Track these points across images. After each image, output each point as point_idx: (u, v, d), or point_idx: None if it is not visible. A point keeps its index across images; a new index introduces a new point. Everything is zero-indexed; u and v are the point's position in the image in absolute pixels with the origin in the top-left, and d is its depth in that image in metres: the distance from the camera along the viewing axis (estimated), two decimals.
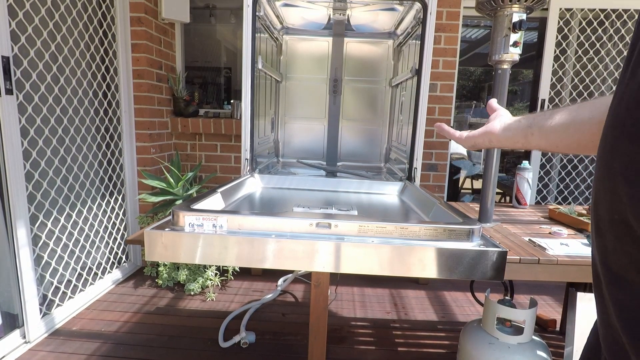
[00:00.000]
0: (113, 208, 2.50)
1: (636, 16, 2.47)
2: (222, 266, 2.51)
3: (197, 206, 0.97)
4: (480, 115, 5.50)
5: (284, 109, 2.26)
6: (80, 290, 2.21)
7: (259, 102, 1.80)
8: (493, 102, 0.80)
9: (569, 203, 2.75)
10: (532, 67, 3.44)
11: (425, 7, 1.54)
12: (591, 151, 0.57)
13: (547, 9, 2.71)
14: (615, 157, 0.33)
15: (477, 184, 4.30)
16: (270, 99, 2.12)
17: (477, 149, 0.87)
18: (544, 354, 1.30)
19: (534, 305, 1.35)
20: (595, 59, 2.84)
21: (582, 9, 2.75)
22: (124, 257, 2.65)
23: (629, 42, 0.42)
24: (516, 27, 1.25)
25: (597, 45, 2.82)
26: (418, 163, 1.64)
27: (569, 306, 2.01)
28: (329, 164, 2.26)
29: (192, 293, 2.38)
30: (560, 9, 2.72)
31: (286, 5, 1.87)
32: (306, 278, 2.62)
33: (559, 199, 3.03)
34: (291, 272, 2.65)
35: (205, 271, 2.41)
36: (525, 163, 1.81)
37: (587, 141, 0.57)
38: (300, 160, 2.24)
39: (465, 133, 0.79)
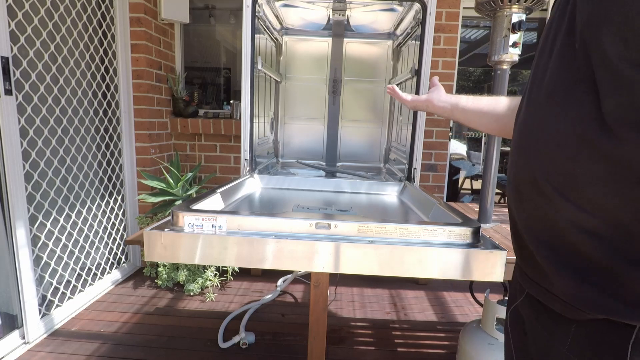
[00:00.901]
0: (112, 208, 2.50)
1: None
2: (222, 266, 2.50)
3: (196, 206, 0.97)
4: None
5: (284, 110, 2.27)
6: (80, 290, 2.21)
7: (258, 103, 1.80)
8: (435, 79, 1.03)
9: None
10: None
11: (424, 8, 1.54)
12: (500, 135, 0.92)
13: (546, 10, 2.72)
14: (530, 146, 0.53)
15: (477, 185, 4.31)
16: (270, 100, 2.13)
17: (417, 110, 1.30)
18: None
19: None
20: None
21: None
22: (123, 257, 2.65)
23: None
24: (515, 27, 1.25)
25: None
26: (417, 163, 1.64)
27: None
28: (329, 165, 2.26)
29: (191, 293, 2.37)
30: None
31: (286, 5, 1.88)
32: (306, 278, 2.62)
33: None
34: (291, 272, 2.65)
35: (204, 272, 2.41)
36: None
37: (500, 130, 0.80)
38: (300, 161, 2.24)
39: (409, 97, 1.04)
